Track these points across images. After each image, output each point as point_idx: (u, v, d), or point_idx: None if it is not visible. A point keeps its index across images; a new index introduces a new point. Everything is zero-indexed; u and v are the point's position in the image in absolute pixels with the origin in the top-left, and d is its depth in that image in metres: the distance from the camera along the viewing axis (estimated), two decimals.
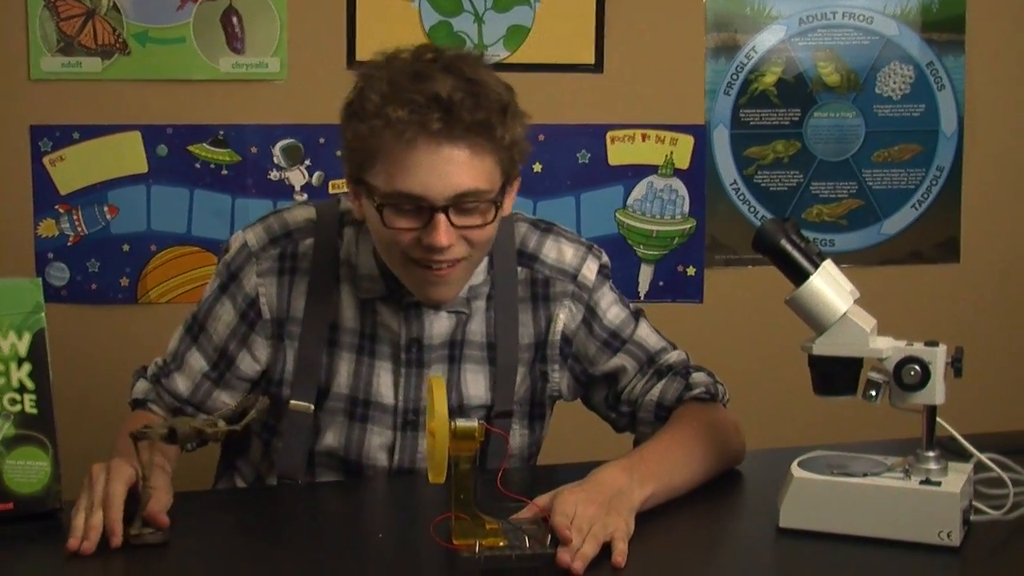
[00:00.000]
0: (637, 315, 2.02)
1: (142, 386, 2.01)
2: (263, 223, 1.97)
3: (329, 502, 1.89)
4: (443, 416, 1.48)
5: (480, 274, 1.93)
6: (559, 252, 1.97)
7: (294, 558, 1.55)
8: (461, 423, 1.51)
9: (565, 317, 1.97)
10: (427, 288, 1.81)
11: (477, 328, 1.94)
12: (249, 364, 1.95)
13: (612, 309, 1.99)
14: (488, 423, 1.93)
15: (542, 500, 1.61)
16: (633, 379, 1.98)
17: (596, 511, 1.57)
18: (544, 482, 1.77)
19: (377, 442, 1.92)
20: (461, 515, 1.50)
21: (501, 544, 1.49)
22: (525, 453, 2.02)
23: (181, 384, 1.98)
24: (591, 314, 1.98)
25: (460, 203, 1.74)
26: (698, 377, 1.98)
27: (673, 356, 2.00)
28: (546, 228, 2.00)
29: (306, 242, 1.93)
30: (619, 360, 1.98)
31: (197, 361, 1.97)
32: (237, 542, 1.65)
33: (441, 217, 1.73)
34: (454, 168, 1.73)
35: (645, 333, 2.00)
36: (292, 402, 1.91)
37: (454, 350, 1.93)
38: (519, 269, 1.96)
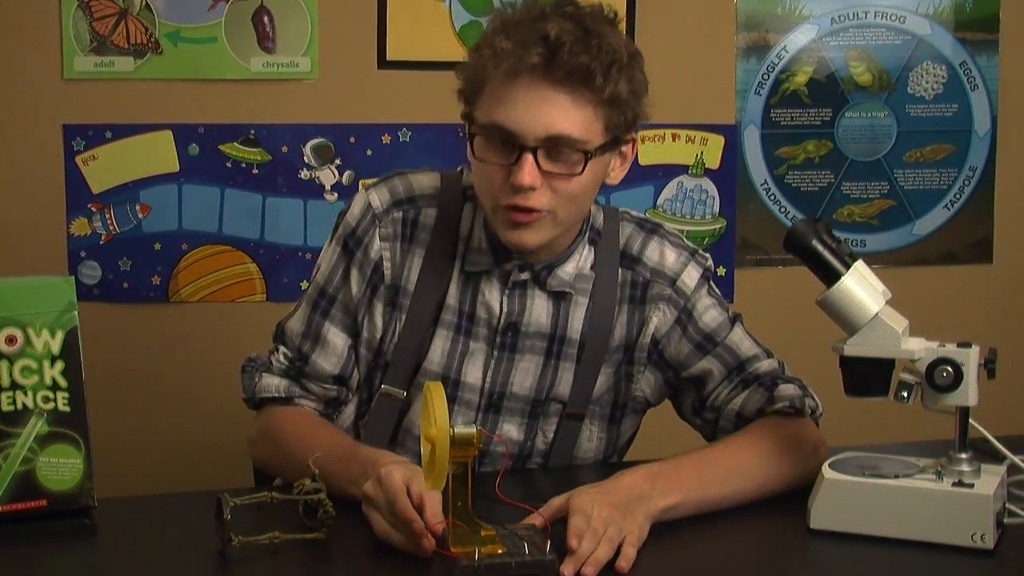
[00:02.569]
0: (734, 320, 1.98)
1: (276, 382, 1.93)
2: (387, 184, 1.93)
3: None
4: (444, 424, 1.46)
5: (587, 263, 1.92)
6: (661, 255, 1.95)
7: (284, 564, 1.54)
8: (460, 430, 1.49)
9: (657, 320, 1.94)
10: (510, 231, 1.78)
11: (576, 325, 1.91)
12: (371, 332, 1.91)
13: (709, 312, 1.95)
14: (561, 419, 1.93)
15: (557, 501, 1.60)
16: (719, 385, 1.93)
17: (611, 513, 1.55)
18: (546, 487, 1.77)
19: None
20: (458, 522, 1.49)
21: (500, 551, 1.47)
22: (600, 457, 1.99)
23: (327, 364, 1.92)
24: (687, 317, 1.94)
25: (550, 146, 1.73)
26: (784, 390, 1.89)
27: (764, 365, 1.94)
28: (651, 229, 1.97)
29: (429, 211, 1.91)
30: (707, 363, 1.93)
31: (337, 336, 1.92)
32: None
33: (528, 156, 1.73)
34: (550, 109, 1.72)
35: (738, 338, 1.95)
36: (385, 386, 1.89)
37: (553, 344, 1.91)
38: (620, 271, 1.94)
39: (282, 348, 1.94)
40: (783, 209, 3.16)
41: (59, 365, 1.68)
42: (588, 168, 1.75)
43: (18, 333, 1.66)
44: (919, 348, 1.61)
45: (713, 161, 3.12)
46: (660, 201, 3.11)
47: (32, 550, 1.59)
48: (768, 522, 1.73)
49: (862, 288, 1.62)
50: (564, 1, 1.78)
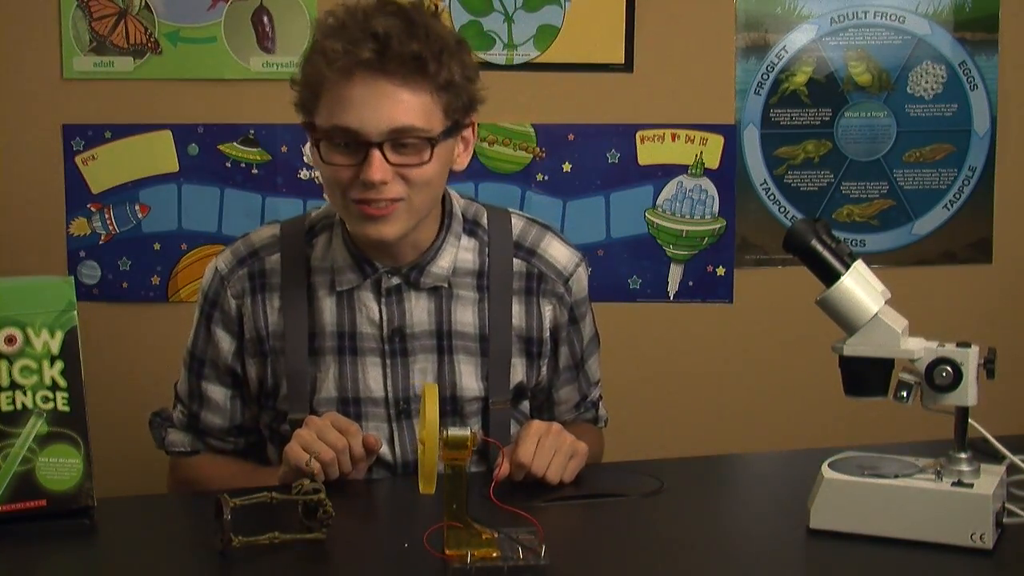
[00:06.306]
0: (598, 341, 2.12)
1: (180, 437, 2.05)
2: (231, 247, 2.02)
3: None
4: (434, 425, 1.47)
5: (469, 256, 1.97)
6: (556, 251, 2.02)
7: (284, 564, 1.54)
8: (452, 432, 1.49)
9: (550, 315, 2.01)
10: (368, 225, 1.83)
11: (468, 319, 1.96)
12: (249, 383, 1.99)
13: (587, 328, 2.08)
14: (487, 414, 1.97)
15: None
16: (571, 410, 2.10)
17: (563, 434, 1.82)
18: (541, 491, 1.77)
19: (370, 428, 1.94)
20: (454, 524, 1.49)
21: (494, 555, 1.47)
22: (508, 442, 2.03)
23: (216, 419, 2.02)
24: (574, 327, 2.05)
25: (395, 139, 1.78)
26: (601, 410, 2.17)
27: (596, 392, 2.15)
28: (544, 225, 2.05)
29: (272, 257, 1.97)
30: (569, 391, 2.08)
31: (216, 391, 2.01)
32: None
33: (376, 152, 1.77)
34: (389, 103, 1.77)
35: (596, 365, 2.13)
36: (291, 416, 1.94)
37: (442, 340, 1.95)
38: (516, 261, 1.99)
39: (179, 407, 2.06)
40: (782, 209, 3.16)
41: (58, 365, 1.68)
42: (435, 155, 1.81)
43: (17, 333, 1.66)
44: (918, 348, 1.61)
45: (712, 161, 3.12)
46: (659, 201, 3.11)
47: (32, 550, 1.59)
48: (767, 522, 1.73)
49: (861, 288, 1.62)
50: (387, 1, 1.82)
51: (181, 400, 2.05)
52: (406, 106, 1.77)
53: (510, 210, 2.05)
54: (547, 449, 1.80)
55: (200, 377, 2.01)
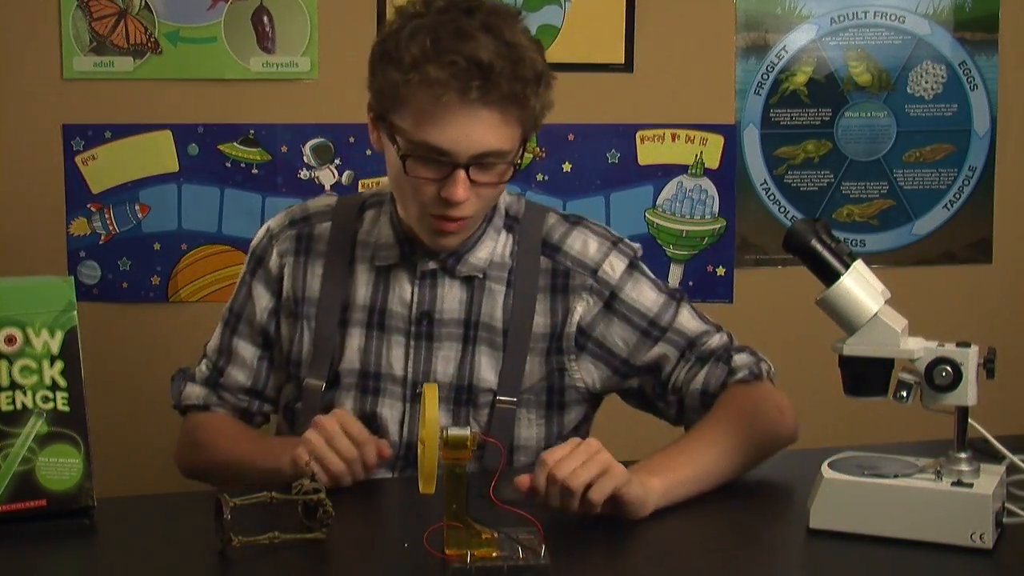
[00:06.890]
0: (677, 299, 1.99)
1: (196, 391, 2.06)
2: (287, 210, 2.07)
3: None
4: (433, 425, 1.47)
5: (504, 249, 1.97)
6: (583, 245, 1.98)
7: (284, 564, 1.54)
8: (453, 431, 1.48)
9: (582, 310, 1.97)
10: (435, 237, 1.87)
11: (495, 312, 1.95)
12: (280, 343, 2.01)
13: (648, 296, 1.97)
14: (493, 408, 1.96)
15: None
16: (676, 367, 1.95)
17: (602, 451, 1.66)
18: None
19: (388, 414, 1.94)
20: (454, 524, 1.48)
21: (494, 555, 1.46)
22: (542, 445, 1.99)
23: (240, 375, 2.04)
24: (618, 305, 1.97)
25: (481, 161, 1.80)
26: (740, 359, 1.93)
27: (715, 340, 1.96)
28: (575, 221, 2.02)
29: (323, 225, 2.01)
30: (660, 349, 1.95)
31: (246, 349, 2.03)
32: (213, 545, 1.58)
33: (461, 173, 1.79)
34: (482, 129, 1.78)
35: (685, 318, 1.96)
36: (307, 380, 1.96)
37: (468, 330, 1.95)
38: (542, 258, 1.98)
39: (204, 361, 2.07)
40: (782, 209, 3.16)
41: (58, 365, 1.68)
42: (514, 173, 1.85)
43: (17, 333, 1.66)
44: (918, 348, 1.61)
45: (712, 161, 3.12)
46: (660, 201, 3.12)
47: (32, 550, 1.59)
48: (767, 522, 1.73)
49: (861, 288, 1.62)
50: (473, 4, 1.81)
51: (208, 356, 2.07)
52: (497, 132, 1.79)
53: (547, 208, 2.04)
54: (578, 454, 1.65)
55: (234, 332, 2.04)
